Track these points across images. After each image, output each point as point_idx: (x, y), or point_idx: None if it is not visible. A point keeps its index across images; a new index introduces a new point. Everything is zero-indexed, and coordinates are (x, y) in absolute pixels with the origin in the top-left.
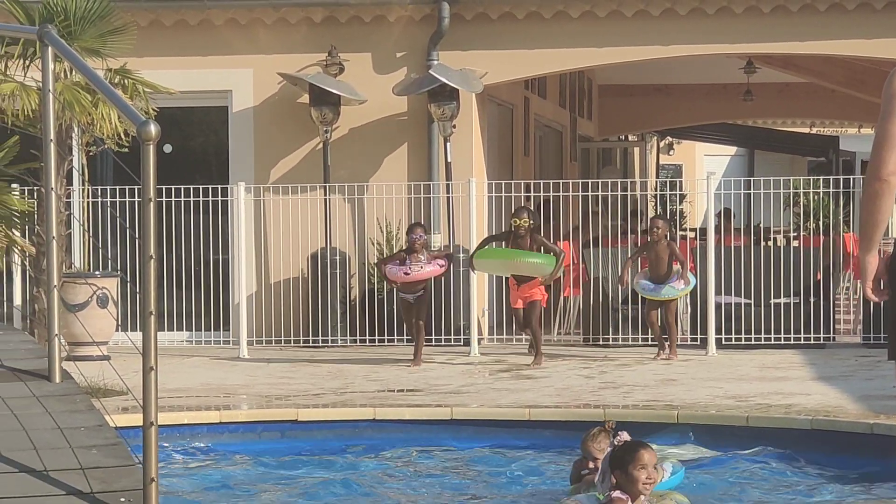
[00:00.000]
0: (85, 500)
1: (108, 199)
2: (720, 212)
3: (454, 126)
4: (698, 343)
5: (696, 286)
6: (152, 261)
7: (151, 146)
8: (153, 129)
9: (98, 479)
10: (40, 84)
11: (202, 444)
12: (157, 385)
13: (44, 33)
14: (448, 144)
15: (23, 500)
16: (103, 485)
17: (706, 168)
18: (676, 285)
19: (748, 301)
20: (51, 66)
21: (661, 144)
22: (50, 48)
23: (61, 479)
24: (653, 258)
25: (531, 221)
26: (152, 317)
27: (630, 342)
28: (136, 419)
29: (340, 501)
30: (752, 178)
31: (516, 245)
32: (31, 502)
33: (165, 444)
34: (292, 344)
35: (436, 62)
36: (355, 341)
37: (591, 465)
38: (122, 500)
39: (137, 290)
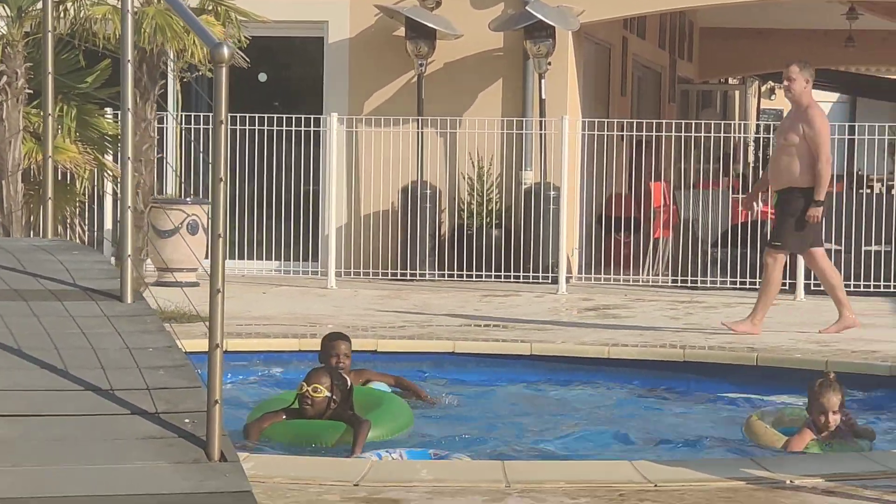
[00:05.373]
0: (149, 419)
1: (202, 126)
2: None
3: (549, 63)
4: (787, 288)
5: None
6: (221, 183)
7: (224, 68)
8: (226, 51)
9: (163, 400)
10: (136, 8)
11: (280, 371)
12: (224, 308)
13: None
14: (543, 81)
15: (88, 419)
16: (168, 405)
17: None
18: None
19: (839, 248)
20: None
21: (763, 89)
22: None
23: (127, 399)
24: None
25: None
26: (220, 239)
27: (719, 285)
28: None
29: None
30: (852, 124)
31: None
32: (96, 420)
33: (241, 369)
34: (381, 277)
35: None
36: (444, 276)
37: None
38: (187, 420)
39: (229, 218)
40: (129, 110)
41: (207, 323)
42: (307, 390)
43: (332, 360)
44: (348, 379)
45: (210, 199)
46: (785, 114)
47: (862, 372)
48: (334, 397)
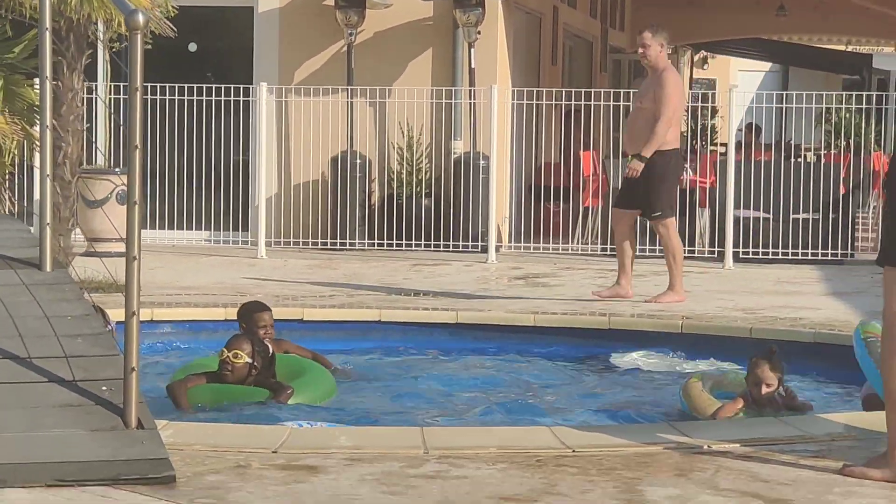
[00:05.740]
0: (67, 387)
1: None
2: (747, 125)
3: (479, 32)
4: (716, 256)
5: (717, 199)
6: (137, 151)
7: (139, 36)
8: (141, 17)
9: (81, 368)
10: None
11: (206, 339)
12: (140, 275)
13: None
14: (472, 51)
15: (5, 387)
16: (86, 373)
17: (740, 84)
18: None
19: (767, 216)
20: None
21: (696, 59)
22: None
23: (45, 367)
24: None
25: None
26: (136, 207)
27: (648, 253)
28: (142, 314)
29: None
30: (783, 93)
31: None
32: (13, 388)
33: (163, 339)
34: (311, 247)
35: None
36: (374, 245)
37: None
38: (104, 388)
39: (158, 188)
40: (47, 78)
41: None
42: (227, 356)
43: (259, 333)
44: (270, 347)
45: (126, 167)
46: (717, 84)
47: (787, 339)
48: (255, 364)
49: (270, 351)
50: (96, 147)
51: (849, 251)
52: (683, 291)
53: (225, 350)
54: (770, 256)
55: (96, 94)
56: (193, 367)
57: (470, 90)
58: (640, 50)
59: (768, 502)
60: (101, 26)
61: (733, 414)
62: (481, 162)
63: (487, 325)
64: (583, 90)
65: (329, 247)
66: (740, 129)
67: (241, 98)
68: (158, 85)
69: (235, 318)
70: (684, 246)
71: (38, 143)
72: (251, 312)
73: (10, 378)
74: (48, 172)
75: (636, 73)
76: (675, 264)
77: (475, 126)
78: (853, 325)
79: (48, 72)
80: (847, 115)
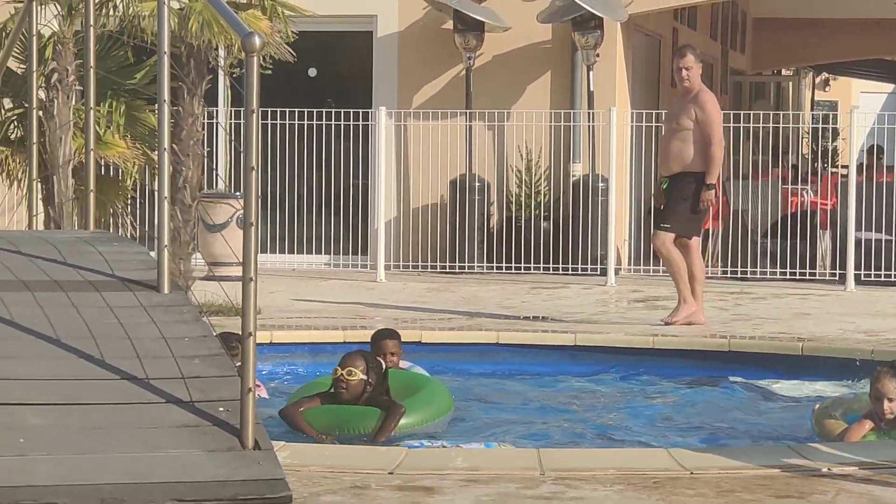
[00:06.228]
0: (184, 408)
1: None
2: (869, 147)
3: (598, 55)
4: (837, 279)
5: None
6: (253, 172)
7: (255, 58)
8: (257, 40)
9: (198, 389)
10: (182, 3)
11: (325, 362)
12: (257, 297)
13: None
14: (591, 73)
15: (123, 407)
16: (202, 394)
17: (862, 105)
18: None
19: (889, 238)
20: None
21: (817, 80)
22: None
23: (162, 388)
24: None
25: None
26: (252, 228)
27: (769, 276)
28: (261, 336)
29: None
30: None
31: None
32: (131, 409)
33: (282, 360)
34: (430, 270)
35: None
36: (492, 268)
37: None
38: (221, 409)
39: (278, 213)
40: (164, 101)
41: (261, 316)
42: (342, 374)
43: (383, 359)
44: (383, 362)
45: (243, 189)
46: (839, 106)
47: None
48: (370, 380)
49: (383, 367)
50: (216, 172)
51: None
52: (693, 302)
53: (339, 368)
54: (893, 279)
55: (217, 119)
56: (306, 389)
57: (589, 113)
58: (684, 72)
59: None
60: (221, 52)
61: (862, 436)
62: (600, 184)
63: (606, 347)
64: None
65: (448, 270)
66: (868, 150)
67: (361, 122)
68: (279, 110)
69: (354, 340)
70: (806, 269)
71: (155, 168)
72: (375, 340)
73: (128, 399)
74: (166, 195)
75: (757, 94)
76: (680, 277)
77: (594, 148)
78: None
79: (166, 95)
80: None
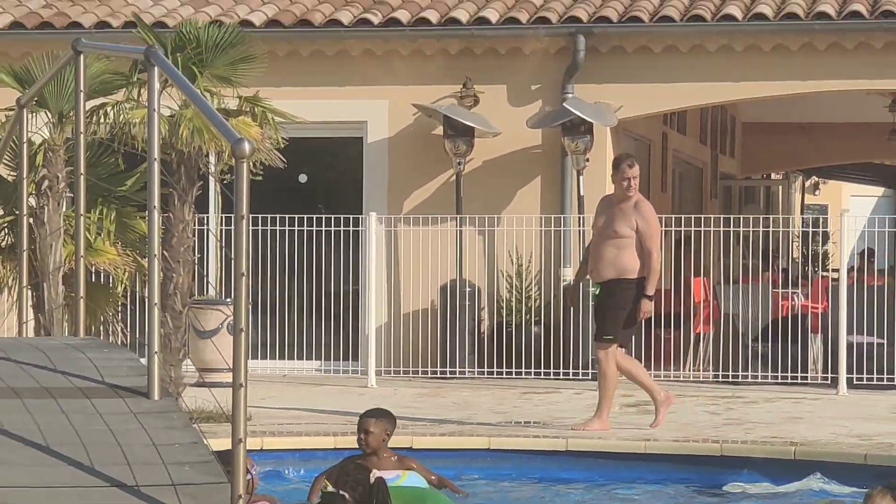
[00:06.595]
0: None
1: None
2: (861, 251)
3: (588, 160)
4: (829, 383)
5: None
6: (243, 279)
7: (245, 164)
8: (247, 146)
9: (189, 496)
10: (173, 111)
11: (316, 467)
12: (247, 403)
13: (150, 53)
14: (581, 178)
15: None
16: (193, 501)
17: (852, 209)
18: None
19: (881, 341)
20: (157, 86)
21: (807, 184)
22: (156, 68)
23: (152, 495)
24: None
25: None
26: (242, 334)
27: (761, 380)
28: (252, 443)
29: None
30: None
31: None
32: None
33: (272, 466)
34: (421, 375)
35: (570, 95)
36: (484, 373)
37: None
38: None
39: (269, 318)
40: (155, 208)
41: (252, 423)
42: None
43: (358, 438)
44: (371, 475)
45: (233, 295)
46: (829, 209)
47: None
48: (344, 494)
49: (371, 479)
50: (207, 278)
51: None
52: (609, 420)
53: (326, 480)
54: (885, 382)
55: (207, 225)
56: None
57: (579, 217)
58: (633, 181)
59: None
60: (212, 158)
61: None
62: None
63: (598, 453)
64: (692, 216)
65: (439, 375)
66: (859, 254)
67: (352, 228)
68: (269, 216)
69: (345, 446)
70: (797, 372)
71: (145, 274)
72: (360, 417)
73: None
74: (156, 301)
75: (747, 198)
76: (607, 392)
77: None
78: None
79: (157, 202)
80: None
